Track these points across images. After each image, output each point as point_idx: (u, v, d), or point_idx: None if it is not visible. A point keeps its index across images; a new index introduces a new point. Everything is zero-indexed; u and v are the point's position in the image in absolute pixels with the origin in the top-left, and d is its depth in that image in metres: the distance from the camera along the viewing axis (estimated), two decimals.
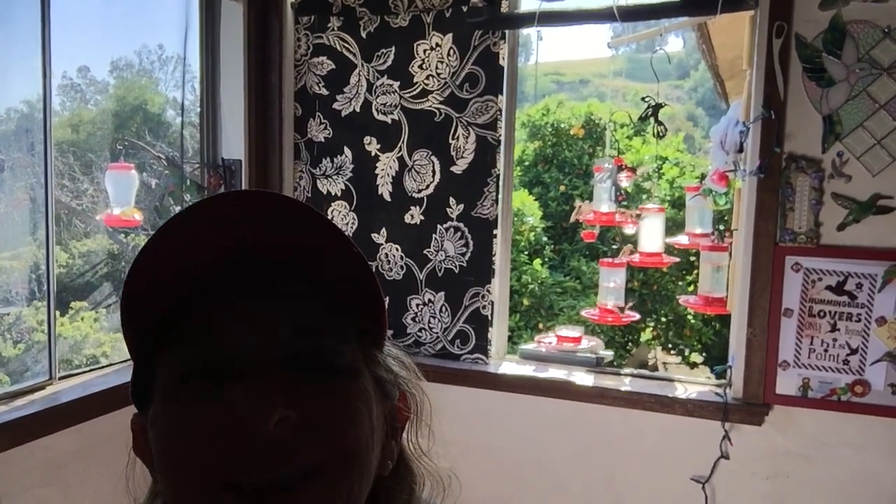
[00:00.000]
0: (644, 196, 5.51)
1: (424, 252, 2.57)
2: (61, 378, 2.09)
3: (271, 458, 0.48)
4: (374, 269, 0.57)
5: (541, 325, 5.71)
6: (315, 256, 0.54)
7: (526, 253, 6.08)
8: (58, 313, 2.23)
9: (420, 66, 2.52)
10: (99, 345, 3.62)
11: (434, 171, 2.54)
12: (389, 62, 2.55)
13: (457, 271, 2.54)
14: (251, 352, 0.51)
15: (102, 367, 2.27)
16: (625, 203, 2.47)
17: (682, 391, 2.30)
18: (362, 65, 2.58)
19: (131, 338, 0.56)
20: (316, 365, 0.52)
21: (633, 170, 2.42)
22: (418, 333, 2.60)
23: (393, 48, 2.54)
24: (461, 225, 2.53)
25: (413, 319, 2.61)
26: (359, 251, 0.54)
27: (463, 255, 2.53)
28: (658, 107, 2.40)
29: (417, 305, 2.60)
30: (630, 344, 6.18)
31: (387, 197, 2.61)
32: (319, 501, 0.50)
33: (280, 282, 0.54)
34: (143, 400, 0.57)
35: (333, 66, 2.61)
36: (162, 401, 0.53)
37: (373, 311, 0.58)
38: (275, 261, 0.54)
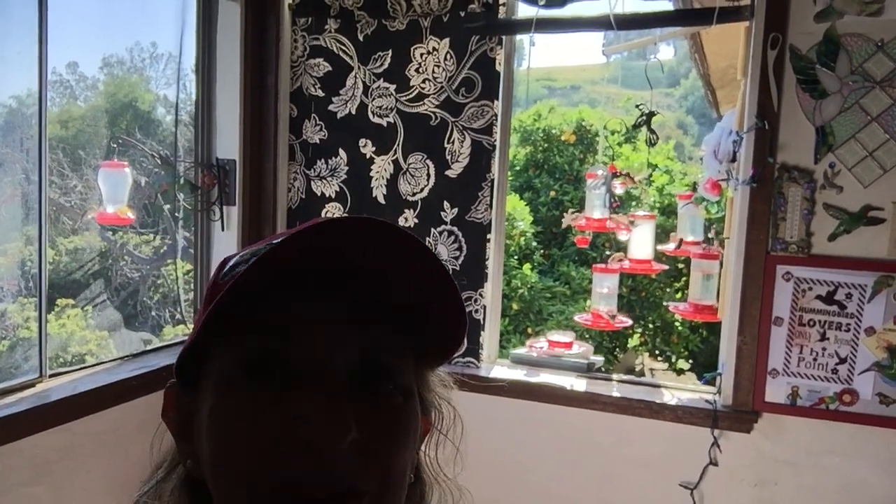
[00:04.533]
0: (633, 203, 5.54)
1: None
2: (51, 376, 2.08)
3: (338, 474, 0.49)
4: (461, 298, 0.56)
5: (530, 330, 5.72)
6: (397, 274, 0.54)
7: (516, 257, 6.10)
8: None
9: (416, 70, 2.53)
10: (85, 342, 3.59)
11: (429, 175, 2.55)
12: (386, 65, 2.56)
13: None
14: (319, 358, 0.51)
15: (93, 366, 2.25)
16: (618, 210, 2.49)
17: (671, 398, 2.31)
18: (359, 67, 2.58)
19: (208, 309, 0.54)
20: (379, 382, 0.53)
21: (631, 177, 2.43)
22: None
23: (390, 51, 2.55)
24: (455, 229, 2.53)
25: None
26: (449, 276, 0.54)
27: (456, 258, 2.54)
28: (651, 115, 2.41)
29: None
30: (618, 349, 6.21)
31: (381, 200, 2.61)
32: None
33: (357, 294, 0.54)
34: (190, 374, 0.57)
35: (330, 68, 2.61)
36: (221, 389, 0.53)
37: (443, 338, 0.59)
38: (357, 273, 0.53)
